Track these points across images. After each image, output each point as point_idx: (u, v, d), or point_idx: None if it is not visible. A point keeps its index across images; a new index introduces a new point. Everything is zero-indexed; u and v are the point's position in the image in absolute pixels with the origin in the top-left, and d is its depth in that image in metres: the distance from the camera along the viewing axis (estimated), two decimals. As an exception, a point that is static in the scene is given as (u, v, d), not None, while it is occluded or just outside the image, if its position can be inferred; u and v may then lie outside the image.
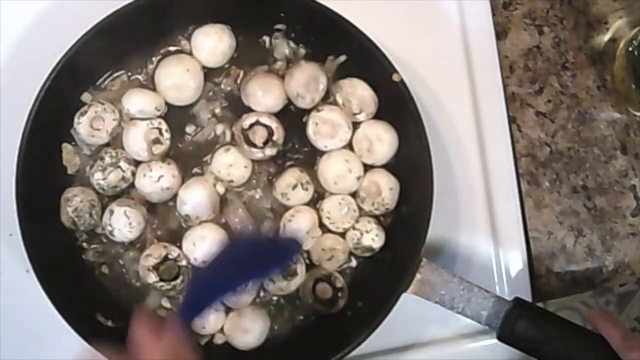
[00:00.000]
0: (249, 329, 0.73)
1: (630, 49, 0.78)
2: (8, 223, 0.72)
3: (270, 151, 0.74)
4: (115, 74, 0.76)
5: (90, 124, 0.73)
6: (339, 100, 0.74)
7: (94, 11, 0.71)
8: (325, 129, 0.74)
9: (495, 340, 0.69)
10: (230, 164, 0.74)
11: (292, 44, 0.76)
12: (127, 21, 0.71)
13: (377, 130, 0.74)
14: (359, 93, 0.74)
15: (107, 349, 0.62)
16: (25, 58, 0.78)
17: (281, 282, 0.73)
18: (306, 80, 0.73)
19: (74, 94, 0.74)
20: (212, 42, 0.74)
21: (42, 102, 0.70)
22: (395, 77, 0.72)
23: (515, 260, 0.79)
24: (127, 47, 0.75)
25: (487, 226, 0.79)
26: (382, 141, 0.74)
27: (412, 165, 0.72)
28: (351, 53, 0.74)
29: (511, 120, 0.81)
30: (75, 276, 0.74)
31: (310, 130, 0.74)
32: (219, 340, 0.75)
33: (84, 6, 0.75)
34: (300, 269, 0.74)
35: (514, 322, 0.68)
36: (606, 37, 0.82)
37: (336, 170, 0.74)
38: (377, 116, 0.75)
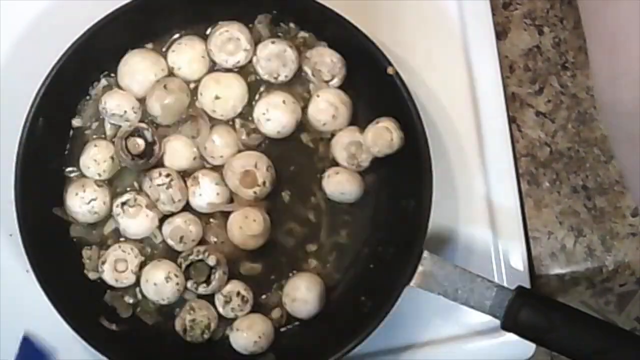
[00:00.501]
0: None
1: (630, 48, 0.78)
2: (8, 223, 0.72)
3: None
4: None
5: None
6: (308, 72, 0.74)
7: (95, 10, 0.71)
8: (275, 62, 0.74)
9: (498, 339, 0.69)
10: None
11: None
12: (127, 22, 0.72)
13: (338, 95, 0.74)
14: (327, 60, 0.74)
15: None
16: (25, 58, 0.78)
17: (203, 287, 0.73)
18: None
19: (73, 94, 0.74)
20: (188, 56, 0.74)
21: (42, 102, 0.70)
22: (389, 70, 0.71)
23: (515, 260, 0.79)
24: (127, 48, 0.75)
25: (487, 225, 0.79)
26: (346, 105, 0.74)
27: (411, 160, 0.72)
28: (343, 46, 0.74)
29: (511, 120, 0.81)
30: (77, 278, 0.74)
31: (261, 66, 0.74)
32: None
33: (84, 6, 0.75)
34: (219, 274, 0.73)
35: (517, 310, 0.68)
36: (606, 37, 0.82)
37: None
38: (376, 111, 0.75)
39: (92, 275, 0.74)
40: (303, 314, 0.75)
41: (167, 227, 0.73)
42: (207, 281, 0.72)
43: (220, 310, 0.74)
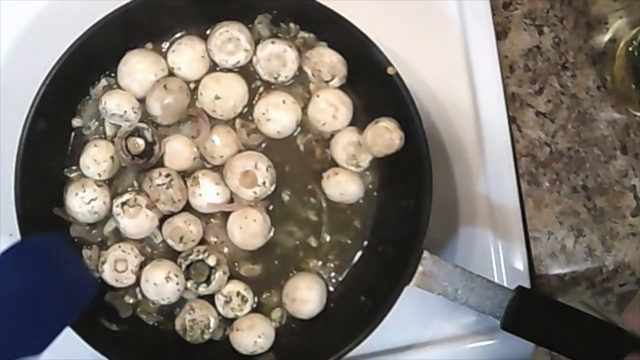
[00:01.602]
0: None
1: (630, 49, 0.78)
2: (8, 223, 0.72)
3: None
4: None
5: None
6: (308, 72, 0.74)
7: (95, 10, 0.71)
8: (275, 62, 0.74)
9: (498, 339, 0.69)
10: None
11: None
12: (127, 21, 0.72)
13: (338, 95, 0.74)
14: (327, 60, 0.74)
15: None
16: (25, 58, 0.78)
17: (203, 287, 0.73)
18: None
19: (73, 94, 0.74)
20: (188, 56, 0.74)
21: (42, 102, 0.70)
22: (390, 70, 0.71)
23: (515, 260, 0.79)
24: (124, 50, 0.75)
25: (487, 225, 0.79)
26: (346, 105, 0.74)
27: (411, 160, 0.72)
28: (343, 46, 0.74)
29: (511, 120, 0.81)
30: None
31: (261, 66, 0.74)
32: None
33: (84, 6, 0.74)
34: (219, 275, 0.73)
35: (517, 310, 0.68)
36: (606, 37, 0.82)
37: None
38: (376, 111, 0.75)
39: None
40: (304, 314, 0.75)
41: (167, 227, 0.74)
42: (207, 281, 0.73)
43: (220, 310, 0.74)
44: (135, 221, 0.73)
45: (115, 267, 0.73)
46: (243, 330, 0.74)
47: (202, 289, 0.73)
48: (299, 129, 0.75)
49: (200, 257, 0.72)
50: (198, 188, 0.73)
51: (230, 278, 0.74)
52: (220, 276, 0.73)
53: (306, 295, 0.74)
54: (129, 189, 0.74)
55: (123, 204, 0.73)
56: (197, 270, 0.73)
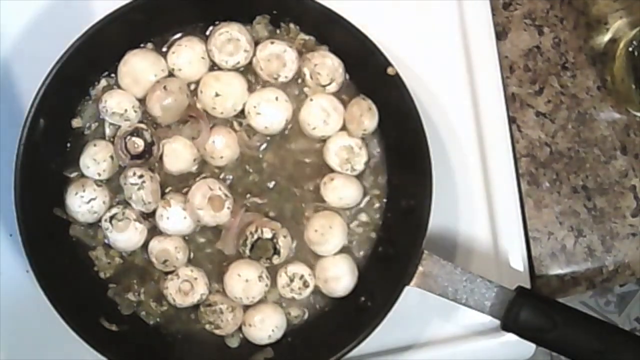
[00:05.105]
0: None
1: (630, 49, 0.78)
2: (8, 223, 0.72)
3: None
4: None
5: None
6: (307, 73, 0.74)
7: (95, 11, 0.71)
8: (275, 63, 0.74)
9: (498, 339, 0.69)
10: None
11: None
12: (127, 22, 0.72)
13: (332, 102, 0.74)
14: (328, 63, 0.74)
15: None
16: (25, 58, 0.78)
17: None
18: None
19: (73, 94, 0.75)
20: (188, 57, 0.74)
21: (42, 102, 0.70)
22: (389, 71, 0.71)
23: (515, 260, 0.79)
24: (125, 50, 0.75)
25: (487, 226, 0.79)
26: (338, 112, 0.74)
27: (411, 160, 0.72)
28: (343, 47, 0.74)
29: (511, 120, 0.81)
30: (77, 278, 0.74)
31: (261, 67, 0.74)
32: (234, 342, 0.75)
33: (84, 6, 0.75)
34: (281, 241, 0.73)
35: (517, 311, 0.68)
36: (606, 37, 0.82)
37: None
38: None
39: (103, 275, 0.74)
40: (340, 291, 0.75)
41: (155, 245, 0.74)
42: (276, 252, 0.73)
43: (280, 289, 0.74)
44: (125, 235, 0.73)
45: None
46: (256, 326, 0.74)
47: (276, 261, 0.73)
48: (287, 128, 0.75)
49: (256, 236, 0.72)
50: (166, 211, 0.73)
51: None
52: (284, 241, 0.73)
53: (335, 272, 0.74)
54: (117, 200, 0.74)
55: (111, 218, 0.72)
56: (261, 249, 0.73)
